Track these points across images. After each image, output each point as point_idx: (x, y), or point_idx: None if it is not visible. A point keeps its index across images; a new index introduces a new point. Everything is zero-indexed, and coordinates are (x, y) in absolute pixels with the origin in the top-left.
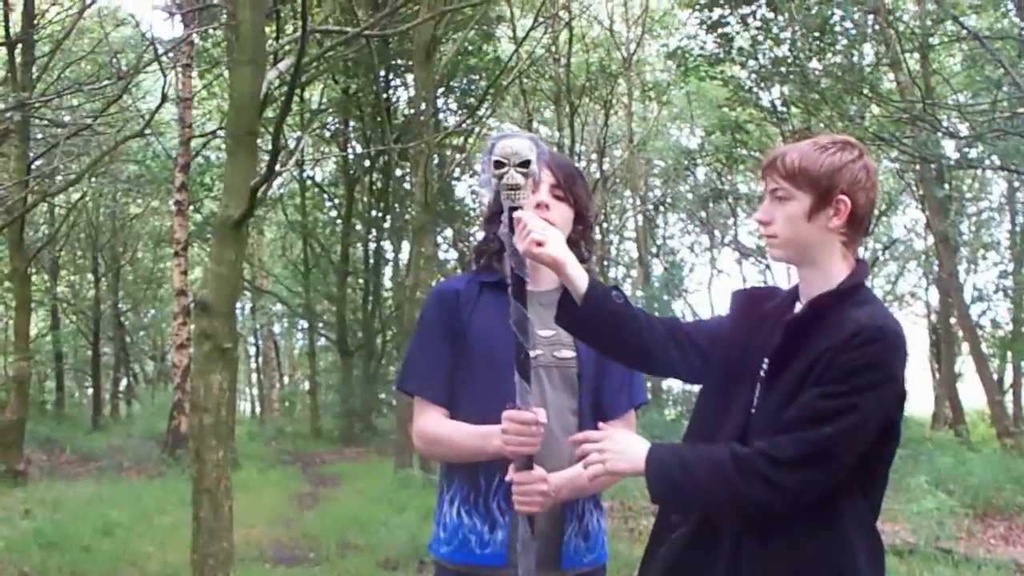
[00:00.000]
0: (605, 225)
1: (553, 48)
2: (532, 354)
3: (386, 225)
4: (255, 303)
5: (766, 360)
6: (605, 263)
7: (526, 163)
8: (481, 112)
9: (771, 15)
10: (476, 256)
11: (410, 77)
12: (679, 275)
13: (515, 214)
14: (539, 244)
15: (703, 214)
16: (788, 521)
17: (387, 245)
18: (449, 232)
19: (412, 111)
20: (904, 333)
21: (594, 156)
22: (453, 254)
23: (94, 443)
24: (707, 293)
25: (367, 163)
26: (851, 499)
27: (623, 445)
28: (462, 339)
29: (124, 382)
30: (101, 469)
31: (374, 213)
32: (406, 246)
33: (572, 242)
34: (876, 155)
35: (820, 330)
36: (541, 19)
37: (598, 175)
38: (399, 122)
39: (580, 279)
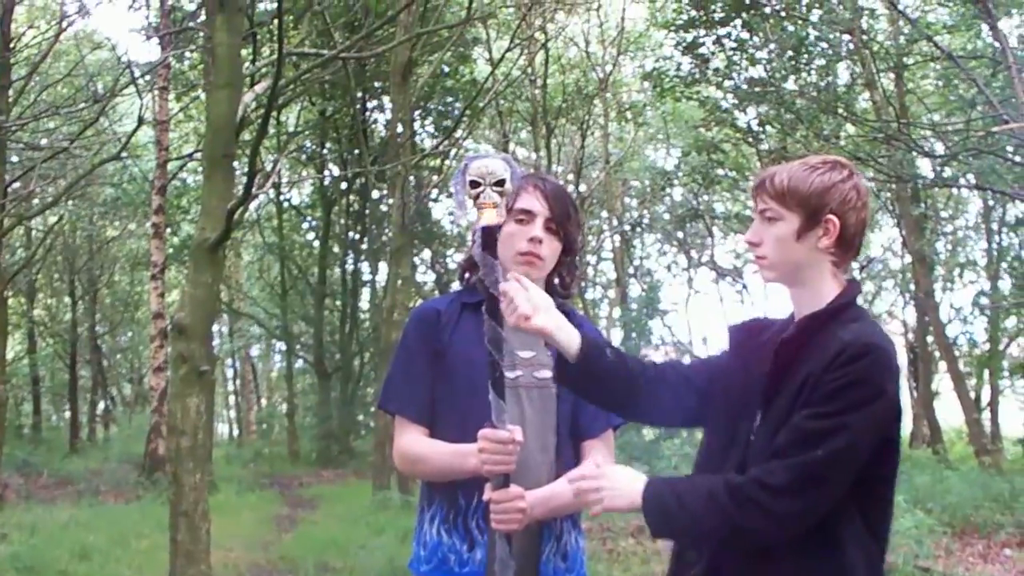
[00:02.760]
0: (582, 246)
1: (529, 70)
2: (511, 375)
3: (363, 247)
4: (232, 325)
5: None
6: (583, 284)
7: (501, 182)
8: (458, 134)
9: (746, 36)
10: (459, 276)
11: (387, 99)
12: (656, 295)
13: (500, 286)
14: (527, 318)
15: (680, 234)
16: (787, 548)
17: (364, 267)
18: (427, 253)
19: (389, 133)
20: (893, 349)
21: (571, 177)
22: (431, 276)
23: (71, 467)
24: (684, 312)
25: (344, 185)
26: (850, 522)
27: (619, 482)
28: (443, 359)
29: (101, 405)
30: (78, 493)
31: (351, 235)
32: (383, 268)
33: (557, 270)
34: None
35: (809, 351)
36: (517, 41)
37: (575, 196)
38: (376, 144)
39: (571, 343)
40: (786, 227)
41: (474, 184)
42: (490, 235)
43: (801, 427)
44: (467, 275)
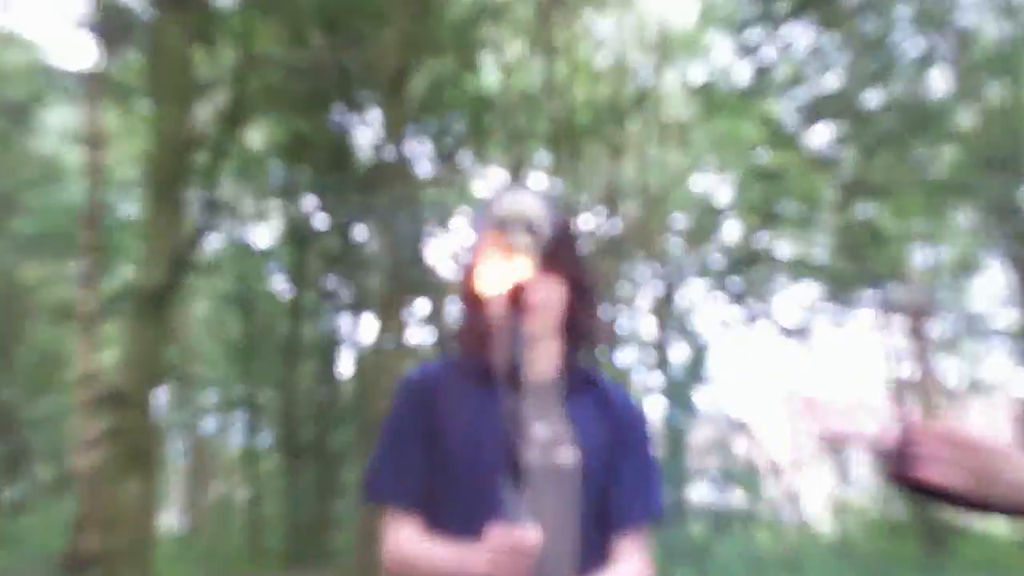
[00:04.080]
0: (614, 297)
1: (550, 80)
2: (526, 457)
3: (345, 298)
4: (182, 393)
5: None
6: (613, 344)
7: (535, 224)
8: (462, 158)
9: (819, 37)
10: (458, 336)
11: (375, 115)
12: (704, 358)
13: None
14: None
15: (734, 283)
16: None
17: (346, 322)
18: (424, 306)
19: (378, 157)
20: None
21: (601, 212)
22: (429, 334)
23: None
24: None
25: (322, 221)
26: None
27: None
28: (440, 439)
29: (13, 490)
30: None
31: (330, 283)
32: (369, 324)
33: (571, 324)
34: (951, 208)
35: None
36: (535, 47)
37: (607, 235)
38: (362, 171)
39: None
40: None
41: (499, 226)
42: (516, 289)
43: None
44: (472, 341)
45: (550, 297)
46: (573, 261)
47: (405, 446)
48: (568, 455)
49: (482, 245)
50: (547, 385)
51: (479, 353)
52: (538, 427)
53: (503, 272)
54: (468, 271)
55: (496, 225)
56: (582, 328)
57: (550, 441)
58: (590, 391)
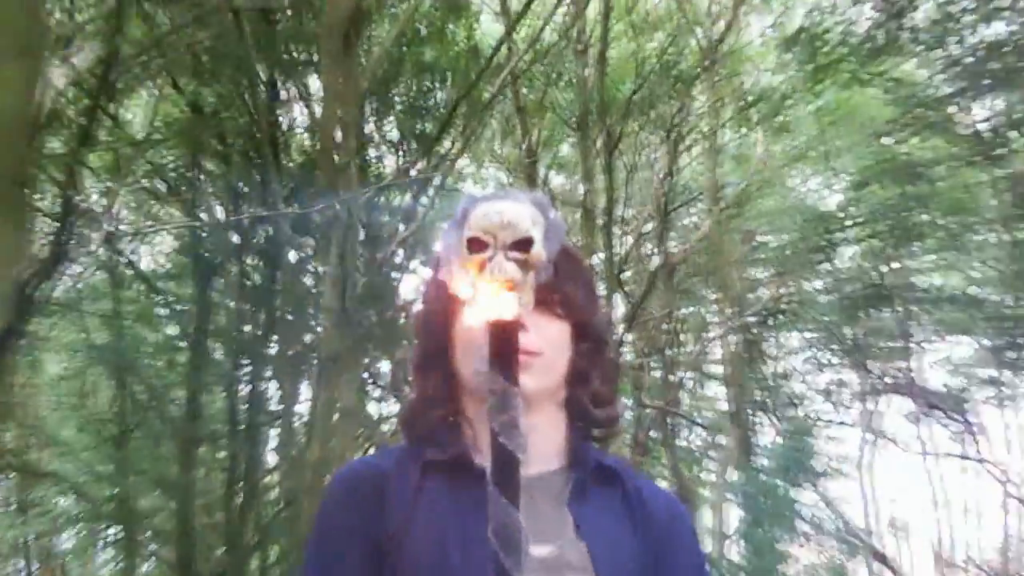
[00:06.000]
0: (670, 353)
1: (574, 33)
2: None
3: (269, 351)
4: (25, 495)
5: None
6: (670, 424)
7: (525, 243)
8: (445, 147)
9: None
10: (408, 414)
11: (316, 84)
12: (807, 445)
13: None
14: None
15: (850, 332)
16: None
17: (271, 388)
18: (384, 365)
19: (320, 144)
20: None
21: (650, 228)
22: (391, 406)
23: None
24: (859, 475)
25: (236, 239)
26: None
27: None
28: (395, 556)
29: None
30: None
31: (249, 328)
32: (306, 391)
33: (576, 379)
34: None
35: None
36: None
37: (658, 261)
38: (295, 164)
39: None
40: None
41: (475, 244)
42: (504, 338)
43: None
44: (437, 415)
45: (551, 348)
46: (583, 296)
47: (341, 569)
48: None
49: (452, 273)
50: (549, 481)
51: (449, 434)
52: (537, 543)
53: (480, 312)
54: (431, 311)
55: (473, 244)
56: (598, 395)
57: (554, 563)
58: (611, 490)
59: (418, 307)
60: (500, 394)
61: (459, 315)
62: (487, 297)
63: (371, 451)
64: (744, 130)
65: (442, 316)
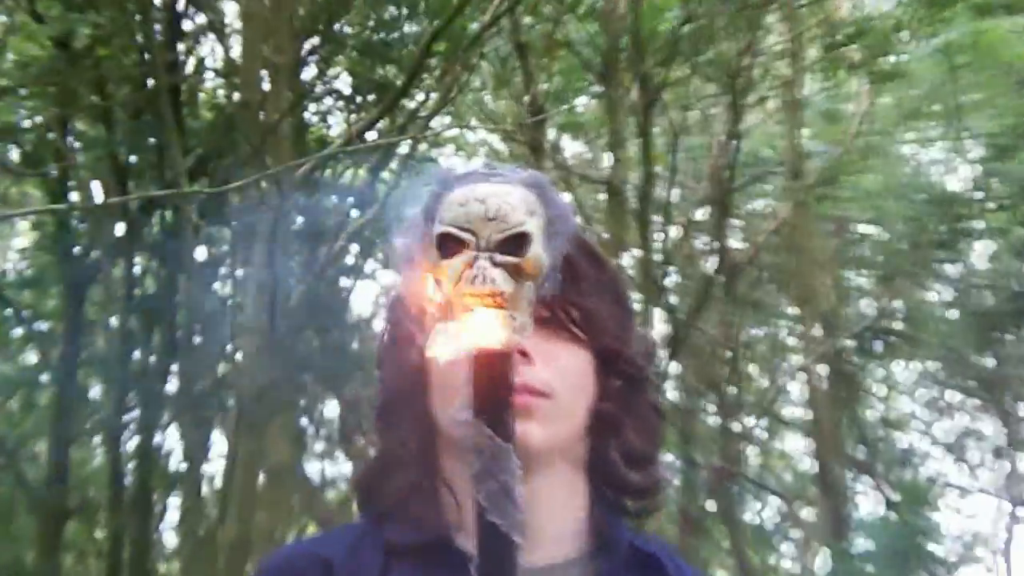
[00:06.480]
0: (732, 391)
1: None
2: None
3: (168, 387)
4: None
5: None
6: (732, 491)
7: (518, 241)
8: (415, 102)
9: None
10: (366, 478)
11: (233, 8)
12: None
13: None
14: None
15: (986, 362)
16: None
17: (170, 440)
18: (330, 407)
19: (240, 99)
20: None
21: (704, 216)
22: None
23: None
24: (998, 562)
25: (121, 230)
26: None
27: None
28: None
29: None
30: None
31: (137, 357)
32: (219, 441)
33: (602, 428)
34: None
35: None
36: None
37: (715, 261)
38: (205, 124)
39: None
40: None
41: (452, 244)
42: (491, 375)
43: None
44: (398, 480)
45: (566, 386)
46: (611, 311)
47: None
48: None
49: (416, 284)
50: (562, 575)
51: (422, 507)
52: None
53: (456, 340)
54: (397, 335)
55: (446, 243)
56: (632, 451)
57: None
58: None
59: (380, 327)
60: (487, 452)
61: (436, 341)
62: (465, 318)
63: (311, 530)
64: (838, 77)
65: (412, 342)
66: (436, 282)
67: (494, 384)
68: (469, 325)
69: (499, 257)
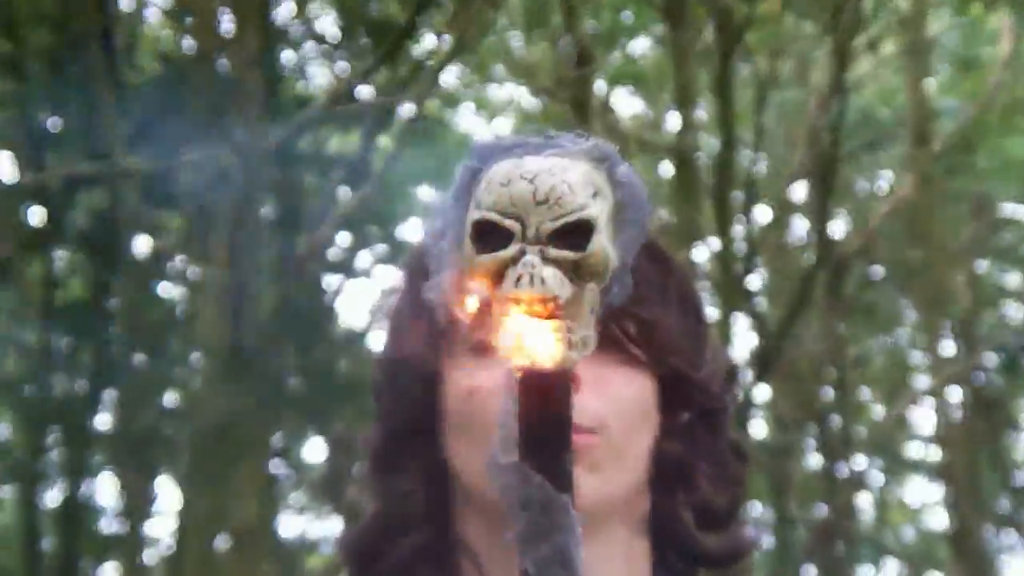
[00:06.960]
0: (838, 424)
1: None
2: None
3: (100, 423)
4: None
5: None
6: (839, 552)
7: (577, 231)
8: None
9: None
10: (361, 541)
11: None
12: None
13: None
14: None
15: None
16: None
17: (104, 490)
18: (311, 446)
19: (191, 41)
20: None
21: (800, 194)
22: (325, 522)
23: None
24: None
25: (41, 214)
26: None
27: None
28: None
29: None
30: None
31: (60, 385)
32: (167, 493)
33: (668, 478)
34: None
35: None
36: None
37: (815, 253)
38: (148, 76)
39: None
40: None
41: (492, 234)
42: (545, 406)
43: None
44: (403, 544)
45: (621, 425)
46: (680, 325)
47: None
48: None
49: (445, 286)
50: None
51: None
52: None
53: (498, 359)
54: (403, 355)
55: (484, 233)
56: (708, 506)
57: None
58: None
59: (379, 343)
60: (537, 506)
61: (457, 364)
62: (512, 330)
63: None
64: (974, 11)
65: (424, 365)
66: (467, 284)
67: (548, 417)
68: (515, 342)
69: (553, 251)
